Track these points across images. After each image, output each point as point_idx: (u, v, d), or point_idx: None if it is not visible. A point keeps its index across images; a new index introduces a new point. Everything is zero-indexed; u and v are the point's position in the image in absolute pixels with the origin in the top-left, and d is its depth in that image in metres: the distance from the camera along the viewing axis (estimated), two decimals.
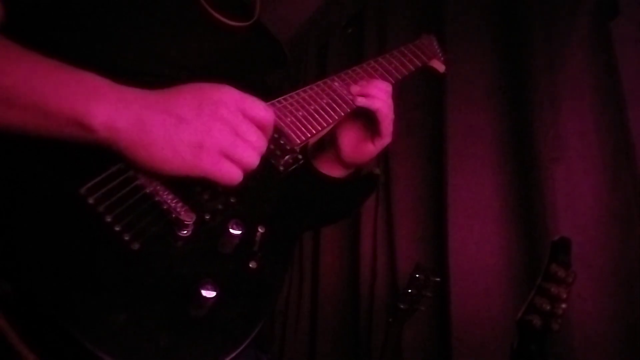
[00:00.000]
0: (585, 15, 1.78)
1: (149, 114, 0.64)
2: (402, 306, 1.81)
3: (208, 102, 0.67)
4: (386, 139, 1.06)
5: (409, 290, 1.82)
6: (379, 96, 1.02)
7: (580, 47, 1.78)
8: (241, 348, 0.62)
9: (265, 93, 0.90)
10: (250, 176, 0.75)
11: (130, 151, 0.64)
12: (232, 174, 0.68)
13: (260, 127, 0.72)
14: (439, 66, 1.29)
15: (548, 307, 1.12)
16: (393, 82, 1.12)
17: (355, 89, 1.03)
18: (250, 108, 0.71)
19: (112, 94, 0.64)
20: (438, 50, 1.29)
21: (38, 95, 0.62)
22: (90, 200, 0.61)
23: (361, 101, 1.01)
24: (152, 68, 0.72)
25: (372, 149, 1.06)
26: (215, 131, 0.66)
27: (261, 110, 0.72)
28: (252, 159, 0.70)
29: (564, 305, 1.13)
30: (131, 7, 0.79)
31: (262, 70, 0.98)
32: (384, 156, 2.38)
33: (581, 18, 1.78)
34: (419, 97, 2.29)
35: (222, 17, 0.91)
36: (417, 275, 1.83)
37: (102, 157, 0.64)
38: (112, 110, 0.63)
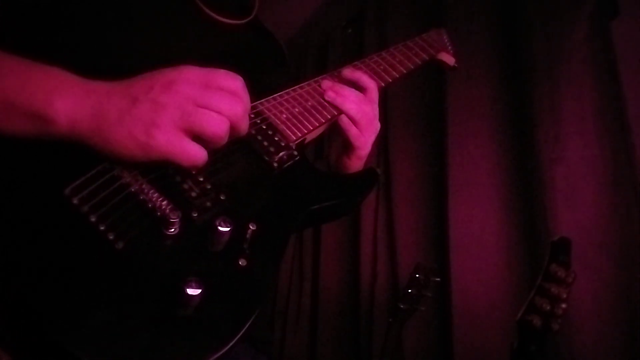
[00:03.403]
0: (585, 15, 1.78)
1: (106, 100, 0.64)
2: (402, 306, 1.81)
3: (161, 80, 0.65)
4: (360, 150, 0.99)
5: (409, 290, 1.82)
6: (350, 97, 0.97)
7: (580, 47, 1.77)
8: (228, 347, 0.60)
9: (264, 92, 0.89)
10: (241, 173, 0.76)
11: (93, 140, 0.63)
12: (191, 152, 0.64)
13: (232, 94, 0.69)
14: (449, 59, 1.24)
15: (548, 307, 1.12)
16: (397, 76, 1.09)
17: (326, 84, 0.98)
18: (215, 80, 0.67)
19: (76, 87, 0.64)
20: (447, 44, 1.25)
21: (2, 93, 0.62)
22: (75, 201, 0.61)
23: (330, 96, 0.96)
24: (148, 68, 0.72)
25: (348, 162, 1.01)
26: (168, 106, 0.63)
27: (228, 79, 0.69)
28: (216, 125, 0.65)
29: (564, 305, 1.13)
30: (126, 9, 0.79)
31: (261, 69, 0.97)
32: (384, 156, 2.38)
33: (581, 18, 1.78)
34: (420, 98, 2.29)
35: (219, 15, 0.91)
36: (417, 275, 1.83)
37: (86, 156, 0.64)
38: (74, 103, 0.62)
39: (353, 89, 0.99)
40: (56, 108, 0.62)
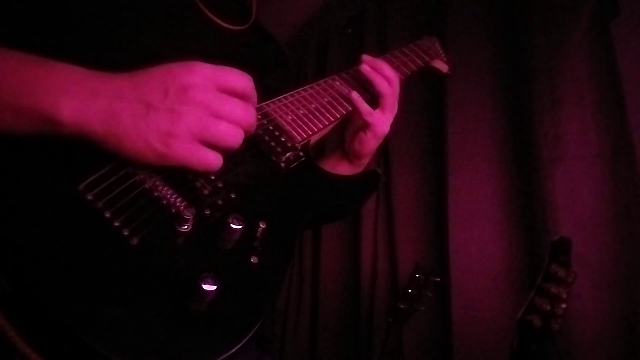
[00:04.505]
0: (585, 16, 1.78)
1: (118, 103, 0.63)
2: (402, 306, 1.81)
3: (176, 86, 0.64)
4: (377, 127, 1.04)
5: (409, 290, 1.82)
6: (384, 71, 1.03)
7: (580, 47, 1.78)
8: (243, 342, 0.61)
9: (266, 94, 0.90)
10: (250, 172, 0.77)
11: (104, 143, 0.63)
12: (208, 160, 0.65)
13: (242, 97, 0.69)
14: (442, 66, 1.29)
15: (548, 307, 1.12)
16: None
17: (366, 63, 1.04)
18: (225, 80, 0.67)
19: (83, 85, 0.63)
20: (440, 51, 1.29)
21: (8, 93, 0.61)
22: (89, 197, 0.61)
23: (365, 69, 1.03)
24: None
25: (364, 138, 1.05)
26: (185, 116, 0.63)
27: (238, 78, 0.69)
28: (232, 137, 0.66)
29: (564, 305, 1.13)
30: (128, 12, 0.78)
31: (262, 71, 0.98)
32: (385, 157, 2.38)
33: (581, 18, 1.79)
34: (420, 98, 2.29)
35: (220, 19, 0.91)
36: (417, 275, 1.83)
37: (99, 153, 0.64)
38: (81, 103, 0.62)
39: (389, 66, 1.06)
40: (62, 110, 0.61)
